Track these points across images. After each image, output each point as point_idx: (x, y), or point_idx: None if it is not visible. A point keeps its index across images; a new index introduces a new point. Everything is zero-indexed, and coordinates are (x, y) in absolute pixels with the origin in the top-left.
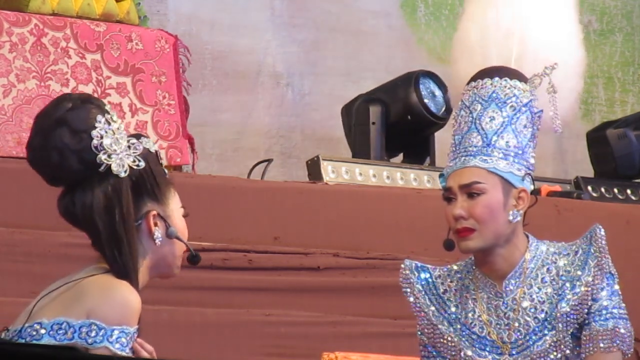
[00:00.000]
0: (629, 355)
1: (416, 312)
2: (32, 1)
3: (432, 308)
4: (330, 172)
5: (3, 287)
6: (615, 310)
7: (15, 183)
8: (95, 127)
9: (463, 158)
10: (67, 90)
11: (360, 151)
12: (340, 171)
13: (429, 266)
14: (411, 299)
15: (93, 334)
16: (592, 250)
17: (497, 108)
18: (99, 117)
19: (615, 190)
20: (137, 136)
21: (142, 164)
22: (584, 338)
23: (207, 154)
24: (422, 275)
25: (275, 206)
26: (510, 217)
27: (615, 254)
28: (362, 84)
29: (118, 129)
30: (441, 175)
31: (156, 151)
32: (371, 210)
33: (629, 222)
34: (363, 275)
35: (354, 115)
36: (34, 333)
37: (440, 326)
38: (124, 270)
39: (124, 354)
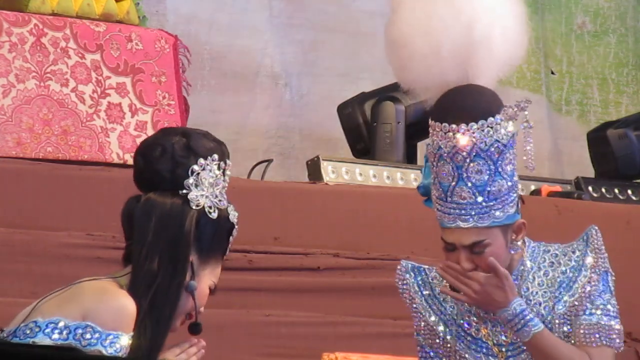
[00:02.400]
0: (619, 351)
1: (412, 313)
2: (32, 1)
3: (429, 309)
4: (330, 172)
5: (3, 287)
6: (602, 306)
7: (15, 183)
8: (205, 158)
9: (459, 216)
10: (66, 91)
11: (382, 150)
12: (341, 171)
13: (425, 267)
14: (407, 300)
15: (88, 336)
16: (588, 251)
17: (481, 160)
18: (215, 156)
19: (616, 191)
20: (229, 202)
21: (214, 216)
22: (574, 330)
23: None
24: (419, 276)
25: (276, 206)
26: (512, 250)
27: (616, 254)
28: (359, 84)
29: (223, 180)
30: (420, 187)
31: (233, 225)
32: (371, 211)
33: (629, 223)
34: (363, 275)
35: (375, 113)
36: (28, 332)
37: (436, 327)
38: (143, 279)
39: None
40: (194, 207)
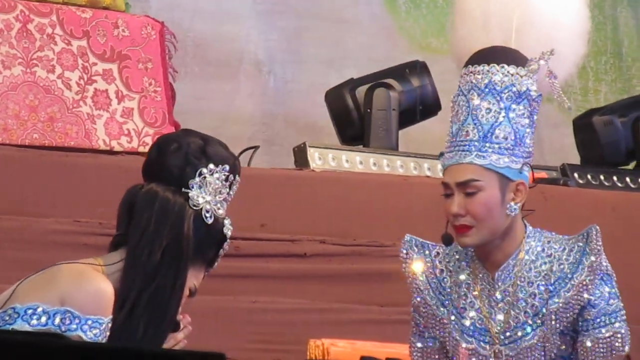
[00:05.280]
0: (626, 353)
1: (412, 288)
2: None
3: (428, 287)
4: (317, 159)
5: None
6: (613, 315)
7: (1, 170)
8: (217, 166)
9: (459, 153)
10: (53, 77)
11: (377, 137)
12: (327, 158)
13: (429, 243)
14: (410, 276)
15: (67, 321)
16: (587, 250)
17: (493, 99)
18: (227, 167)
19: (602, 177)
20: (227, 217)
21: (209, 221)
22: (582, 346)
23: None
24: (422, 252)
25: (262, 193)
26: (508, 211)
27: (602, 240)
28: (344, 71)
29: (227, 193)
30: (441, 155)
31: (226, 238)
32: (358, 197)
33: (614, 209)
34: (350, 262)
35: (369, 99)
36: (7, 318)
37: (433, 306)
38: (142, 268)
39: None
40: (192, 207)
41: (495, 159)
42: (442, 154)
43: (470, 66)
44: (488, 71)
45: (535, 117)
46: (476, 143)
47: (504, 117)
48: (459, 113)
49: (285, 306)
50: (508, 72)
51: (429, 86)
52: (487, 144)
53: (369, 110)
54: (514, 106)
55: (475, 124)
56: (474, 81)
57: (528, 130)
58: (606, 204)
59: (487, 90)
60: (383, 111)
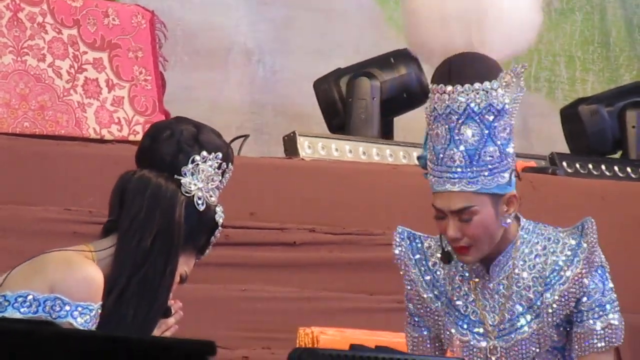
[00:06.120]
0: (620, 343)
1: (405, 280)
2: None
3: (421, 279)
4: (306, 148)
5: None
6: (608, 306)
7: None
8: (209, 153)
9: (449, 180)
10: (43, 66)
11: (357, 126)
12: (317, 147)
13: (421, 234)
14: (402, 267)
15: (57, 308)
16: (582, 242)
17: (473, 123)
18: (220, 154)
19: (590, 166)
20: (219, 205)
21: (201, 208)
22: (576, 337)
23: None
24: (414, 244)
25: (252, 182)
26: (503, 223)
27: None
28: (332, 61)
29: (220, 181)
30: (420, 158)
31: (217, 225)
32: (347, 186)
33: (603, 198)
34: (339, 250)
35: (350, 89)
36: None
37: (427, 298)
38: (132, 254)
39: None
40: (184, 194)
41: (485, 182)
42: (421, 158)
43: (442, 85)
44: (462, 92)
45: (513, 122)
46: (464, 170)
47: (487, 137)
48: (439, 135)
49: (275, 294)
50: (483, 89)
51: (414, 74)
52: (475, 169)
53: (350, 99)
54: (494, 124)
55: (459, 149)
56: (450, 104)
57: (509, 138)
58: (595, 193)
59: (465, 113)
60: (363, 100)
